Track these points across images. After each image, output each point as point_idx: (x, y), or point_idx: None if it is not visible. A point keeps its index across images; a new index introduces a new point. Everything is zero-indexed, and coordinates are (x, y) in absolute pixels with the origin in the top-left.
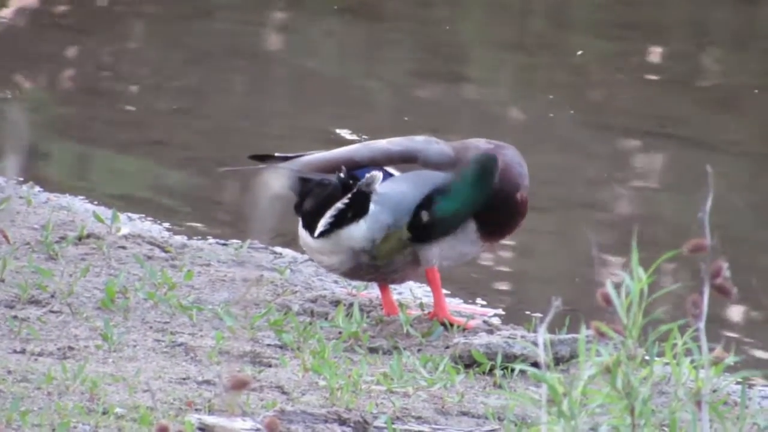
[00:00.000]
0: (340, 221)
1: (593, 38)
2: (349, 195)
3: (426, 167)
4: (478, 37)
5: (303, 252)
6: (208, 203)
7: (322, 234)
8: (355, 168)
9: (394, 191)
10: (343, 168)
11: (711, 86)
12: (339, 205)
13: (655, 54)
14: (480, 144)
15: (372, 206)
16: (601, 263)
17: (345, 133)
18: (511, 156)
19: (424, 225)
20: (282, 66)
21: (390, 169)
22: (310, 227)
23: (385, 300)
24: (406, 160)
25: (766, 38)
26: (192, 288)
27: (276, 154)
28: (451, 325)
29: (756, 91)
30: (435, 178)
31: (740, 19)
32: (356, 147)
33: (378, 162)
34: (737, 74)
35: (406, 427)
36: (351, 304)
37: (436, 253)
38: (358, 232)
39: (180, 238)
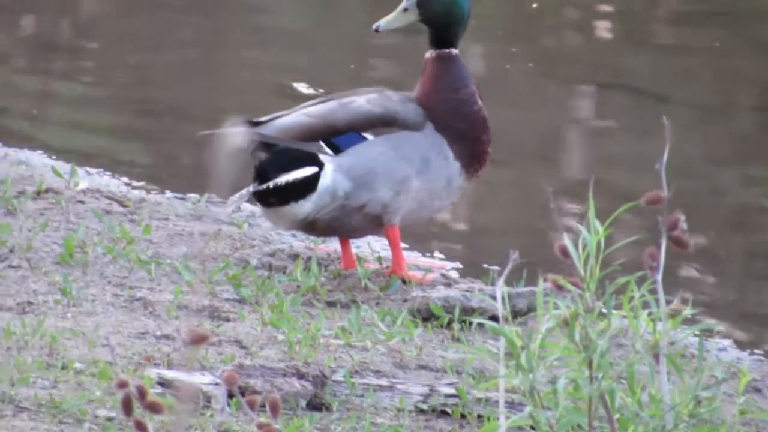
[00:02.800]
0: (285, 199)
1: None
2: (298, 176)
3: (404, 129)
4: None
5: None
6: (165, 157)
7: (266, 203)
8: (334, 134)
9: (362, 159)
10: (321, 144)
11: (664, 38)
12: (290, 178)
13: (610, 5)
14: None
15: (327, 178)
16: (558, 215)
17: (302, 87)
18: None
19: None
20: (238, 19)
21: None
22: (257, 194)
23: (344, 254)
24: (386, 124)
25: None
26: (150, 242)
27: (253, 120)
28: (410, 280)
29: (717, 43)
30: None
31: None
32: (332, 108)
33: (357, 128)
34: (689, 28)
35: (364, 380)
36: (309, 258)
37: (402, 213)
38: (307, 204)
39: (138, 193)
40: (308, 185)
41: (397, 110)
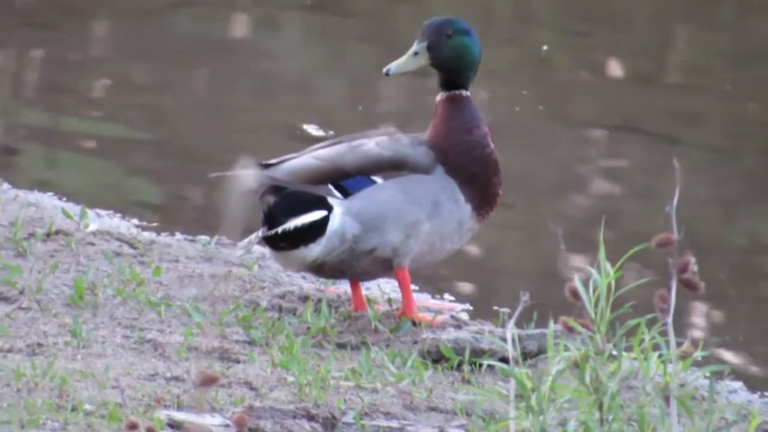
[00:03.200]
0: (295, 243)
1: (558, 33)
2: (311, 217)
3: (414, 172)
4: None
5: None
6: (176, 199)
7: (276, 247)
8: (343, 177)
9: (372, 203)
10: (330, 187)
11: (675, 81)
12: (299, 223)
13: (621, 49)
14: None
15: (336, 222)
16: (569, 258)
17: (312, 129)
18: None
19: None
20: (249, 61)
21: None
22: (266, 239)
23: (354, 295)
24: (395, 167)
25: (728, 31)
26: (160, 284)
27: (263, 162)
28: (420, 322)
29: (729, 87)
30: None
31: (702, 15)
32: (341, 151)
33: (365, 171)
34: (701, 70)
35: (374, 422)
36: (319, 300)
37: (412, 256)
38: (315, 248)
39: (148, 235)
40: (317, 229)
41: (407, 153)
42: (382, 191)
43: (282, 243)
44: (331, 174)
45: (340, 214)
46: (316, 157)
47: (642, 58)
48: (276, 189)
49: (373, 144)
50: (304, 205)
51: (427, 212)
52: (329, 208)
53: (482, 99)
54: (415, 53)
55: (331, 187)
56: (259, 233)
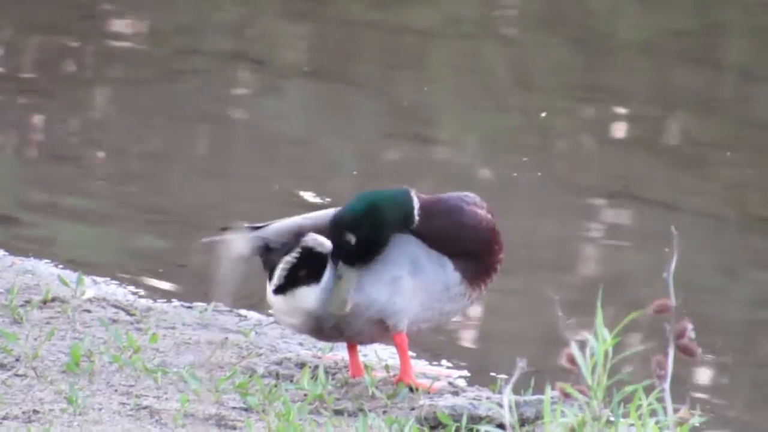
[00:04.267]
0: (293, 278)
1: (557, 100)
2: (299, 249)
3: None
4: (444, 99)
5: (268, 314)
6: (172, 266)
7: (277, 290)
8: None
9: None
10: (310, 234)
11: (674, 147)
12: (289, 258)
13: (619, 116)
14: (450, 197)
15: (327, 273)
16: (566, 324)
17: (309, 196)
18: (463, 199)
19: (347, 243)
20: (248, 128)
21: None
22: (271, 282)
23: (351, 361)
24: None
25: (728, 101)
26: (157, 351)
27: (246, 225)
28: (417, 388)
29: (728, 153)
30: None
31: (703, 83)
32: (324, 213)
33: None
34: (700, 136)
35: None
36: (316, 367)
37: (406, 317)
38: (311, 294)
39: (145, 301)
40: (314, 267)
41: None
42: None
43: (284, 281)
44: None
45: (329, 269)
46: (305, 217)
47: (641, 125)
48: (268, 248)
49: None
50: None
51: (407, 270)
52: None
53: (482, 165)
54: (339, 277)
55: None
56: (271, 286)
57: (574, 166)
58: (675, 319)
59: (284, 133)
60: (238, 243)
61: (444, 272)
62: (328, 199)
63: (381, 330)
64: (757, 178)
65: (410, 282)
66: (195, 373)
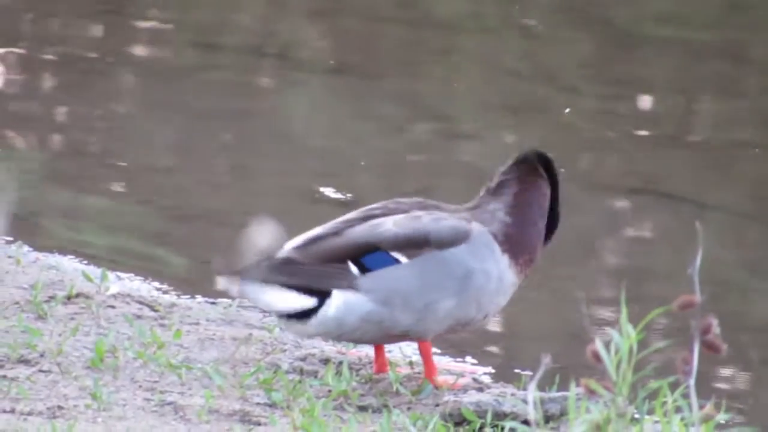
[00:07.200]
0: (299, 316)
1: (581, 95)
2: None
3: (440, 248)
4: (468, 96)
5: None
6: (197, 262)
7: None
8: (362, 254)
9: (383, 282)
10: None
11: (700, 143)
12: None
13: (644, 111)
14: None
15: (330, 309)
16: (591, 320)
17: (330, 192)
18: None
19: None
20: (271, 124)
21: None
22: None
23: (377, 358)
24: (417, 245)
25: (756, 96)
26: (181, 347)
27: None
28: (441, 387)
29: (756, 150)
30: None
31: (729, 78)
32: (361, 233)
33: (384, 248)
34: (726, 131)
35: None
36: (340, 363)
37: (432, 334)
38: (309, 328)
39: (169, 297)
40: (304, 314)
41: (429, 230)
42: (397, 271)
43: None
44: (350, 252)
45: (341, 303)
46: (331, 238)
47: (666, 121)
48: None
49: (390, 223)
50: (298, 288)
51: (452, 290)
52: (326, 295)
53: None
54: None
55: (350, 263)
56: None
57: (599, 161)
58: (700, 315)
59: (307, 129)
60: (263, 237)
61: (495, 262)
62: (350, 195)
63: (403, 337)
64: None
65: (451, 303)
66: (219, 369)
